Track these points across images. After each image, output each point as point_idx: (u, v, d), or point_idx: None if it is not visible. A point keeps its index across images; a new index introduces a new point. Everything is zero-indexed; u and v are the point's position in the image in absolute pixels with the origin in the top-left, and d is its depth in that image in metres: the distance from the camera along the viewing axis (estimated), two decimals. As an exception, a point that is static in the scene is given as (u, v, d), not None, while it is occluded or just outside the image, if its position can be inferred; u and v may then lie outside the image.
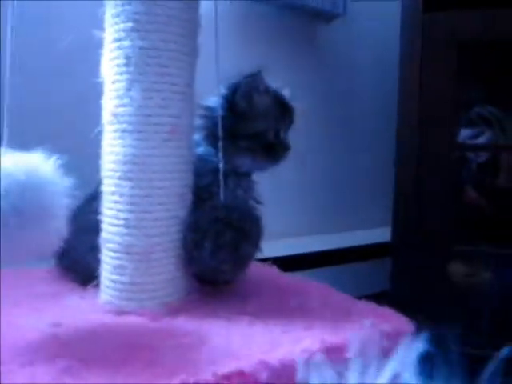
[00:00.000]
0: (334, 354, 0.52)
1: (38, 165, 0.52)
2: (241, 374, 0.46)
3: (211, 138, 0.70)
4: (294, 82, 1.36)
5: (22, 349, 0.50)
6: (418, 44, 1.07)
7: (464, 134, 1.32)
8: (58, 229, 0.53)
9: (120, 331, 0.56)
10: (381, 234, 1.23)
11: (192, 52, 0.64)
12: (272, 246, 1.18)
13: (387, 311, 0.63)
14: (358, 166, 1.53)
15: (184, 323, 0.58)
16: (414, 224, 1.12)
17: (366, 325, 0.56)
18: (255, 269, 0.84)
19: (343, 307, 0.65)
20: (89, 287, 0.67)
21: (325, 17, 1.43)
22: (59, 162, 0.53)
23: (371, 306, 0.65)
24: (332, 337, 0.54)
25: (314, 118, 1.43)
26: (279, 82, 0.78)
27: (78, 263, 0.72)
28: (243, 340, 0.53)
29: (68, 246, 0.71)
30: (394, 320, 0.60)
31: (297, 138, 1.34)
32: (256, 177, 0.77)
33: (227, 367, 0.46)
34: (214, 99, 0.70)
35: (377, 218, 1.43)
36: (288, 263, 1.10)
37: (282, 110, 0.73)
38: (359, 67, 1.54)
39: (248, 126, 0.69)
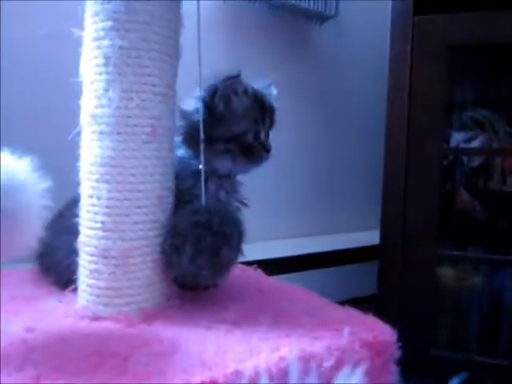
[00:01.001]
0: (312, 363, 0.51)
1: (13, 166, 0.51)
2: (213, 383, 0.45)
3: (190, 140, 0.68)
4: (285, 81, 1.36)
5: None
6: (408, 46, 1.06)
7: (457, 137, 1.31)
8: (34, 229, 0.52)
9: (94, 337, 0.55)
10: (370, 237, 1.22)
11: (173, 52, 0.63)
12: (259, 249, 1.18)
13: (369, 319, 0.62)
14: (346, 168, 1.52)
15: (160, 330, 0.57)
16: (402, 227, 1.11)
17: (346, 333, 0.55)
18: (239, 272, 0.83)
19: (324, 314, 0.63)
20: (67, 291, 0.66)
21: (317, 18, 1.42)
22: (36, 163, 0.52)
23: (353, 312, 0.64)
24: (310, 345, 0.53)
25: (304, 119, 1.42)
26: (270, 81, 0.77)
27: (57, 266, 0.71)
28: (219, 348, 0.52)
29: (48, 248, 0.71)
30: (375, 328, 0.59)
31: (285, 140, 1.34)
32: (242, 178, 0.76)
33: (199, 376, 0.45)
34: (192, 102, 0.69)
35: (366, 220, 1.42)
36: (275, 266, 1.10)
37: (262, 111, 0.72)
38: (350, 68, 1.53)
39: (226, 129, 0.68)
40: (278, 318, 0.62)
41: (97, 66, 0.59)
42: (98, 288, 0.61)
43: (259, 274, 0.84)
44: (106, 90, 0.59)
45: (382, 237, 1.13)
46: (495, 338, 1.18)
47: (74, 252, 0.64)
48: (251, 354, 0.51)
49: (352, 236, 1.45)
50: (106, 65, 0.58)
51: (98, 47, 0.59)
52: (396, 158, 1.10)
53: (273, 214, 1.31)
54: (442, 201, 1.13)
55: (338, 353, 0.53)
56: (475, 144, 1.29)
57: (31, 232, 0.52)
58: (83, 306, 0.63)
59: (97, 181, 0.60)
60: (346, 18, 1.44)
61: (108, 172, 0.59)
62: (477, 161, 1.32)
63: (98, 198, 0.60)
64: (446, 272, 1.24)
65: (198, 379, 0.45)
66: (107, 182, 0.59)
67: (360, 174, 1.52)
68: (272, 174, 1.28)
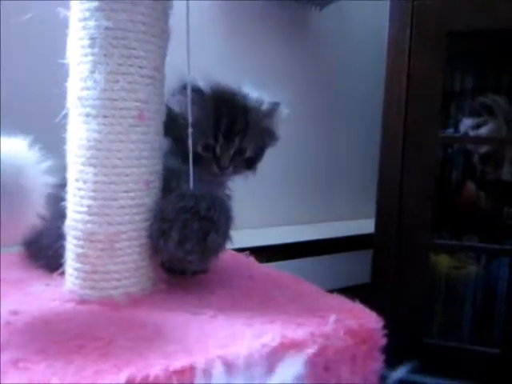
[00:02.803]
0: (294, 350, 0.51)
1: (10, 146, 0.51)
2: (193, 369, 0.45)
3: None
4: (284, 67, 1.34)
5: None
6: (407, 32, 1.04)
7: (467, 123, 1.29)
8: (36, 209, 0.52)
9: (78, 321, 0.55)
10: (365, 226, 1.22)
11: (162, 34, 0.62)
12: (253, 236, 1.18)
13: (357, 307, 0.61)
14: (342, 156, 1.51)
15: (145, 314, 0.57)
16: (397, 216, 1.10)
17: (330, 320, 0.55)
18: (230, 258, 0.83)
19: (312, 301, 0.63)
20: (55, 275, 0.66)
21: (317, 3, 1.40)
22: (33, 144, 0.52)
23: (341, 300, 0.64)
24: (294, 332, 0.52)
25: (302, 106, 1.40)
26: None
27: (46, 250, 0.70)
28: (202, 334, 0.52)
29: (37, 232, 0.71)
30: (362, 316, 0.58)
31: (282, 127, 1.33)
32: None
33: (179, 362, 0.45)
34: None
35: (361, 209, 1.41)
36: (270, 253, 1.10)
37: (222, 126, 0.69)
38: (349, 54, 1.51)
39: (177, 132, 0.67)
40: (265, 304, 0.62)
41: (83, 47, 0.58)
42: (85, 272, 0.61)
43: (250, 260, 0.84)
44: (92, 72, 0.58)
45: (377, 225, 1.12)
46: (488, 326, 1.18)
47: (61, 236, 0.64)
48: (233, 340, 0.50)
49: (347, 224, 1.44)
50: (91, 46, 0.57)
51: (84, 28, 0.58)
52: (392, 145, 1.09)
53: (268, 202, 1.31)
54: (443, 189, 1.12)
55: (322, 339, 0.53)
56: (484, 130, 1.27)
57: (33, 212, 0.52)
58: (70, 289, 0.62)
59: (83, 164, 0.59)
60: (346, 3, 1.42)
61: (94, 155, 0.59)
62: (484, 148, 1.30)
63: (84, 182, 0.59)
64: (442, 261, 1.24)
65: (178, 364, 0.44)
66: (93, 165, 0.59)
67: (356, 162, 1.51)
68: (267, 161, 1.28)
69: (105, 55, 0.57)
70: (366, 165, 1.28)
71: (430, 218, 1.10)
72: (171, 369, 0.44)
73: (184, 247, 0.59)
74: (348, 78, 1.51)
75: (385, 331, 0.58)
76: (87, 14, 0.57)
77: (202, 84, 0.69)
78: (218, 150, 0.69)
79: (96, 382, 0.41)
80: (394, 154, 1.09)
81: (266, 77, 1.29)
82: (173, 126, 0.67)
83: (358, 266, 1.26)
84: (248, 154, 0.72)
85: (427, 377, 1.05)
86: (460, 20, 1.00)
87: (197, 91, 0.68)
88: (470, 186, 1.30)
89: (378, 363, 0.57)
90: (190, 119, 0.64)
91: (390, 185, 1.10)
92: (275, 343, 0.50)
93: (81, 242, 0.60)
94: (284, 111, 0.75)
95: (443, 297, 1.25)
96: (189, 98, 0.64)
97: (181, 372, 0.44)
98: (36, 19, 0.72)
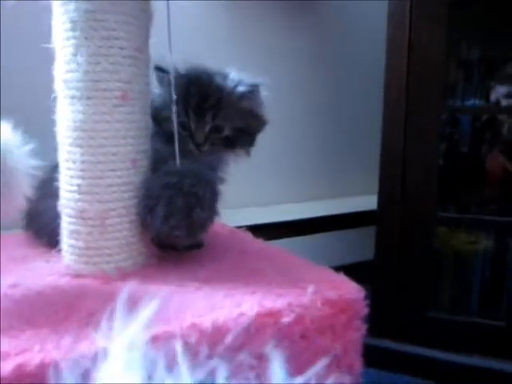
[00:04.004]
0: (271, 319, 0.53)
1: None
2: (169, 335, 0.47)
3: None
4: (287, 47, 1.33)
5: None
6: (407, 3, 1.01)
7: (500, 91, 1.25)
8: (23, 192, 0.54)
9: (70, 293, 0.58)
10: (368, 202, 1.21)
11: (142, 14, 0.63)
12: (257, 214, 1.19)
13: (339, 278, 0.62)
14: (344, 132, 1.49)
15: (132, 288, 0.59)
16: (401, 190, 1.10)
17: (309, 291, 0.56)
18: (226, 234, 0.85)
19: (297, 273, 0.64)
20: (55, 251, 0.69)
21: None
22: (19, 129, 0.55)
23: (326, 272, 0.65)
24: (272, 302, 0.54)
25: (302, 84, 1.39)
26: (261, 82, 0.75)
27: (45, 228, 0.74)
28: (183, 304, 0.54)
29: (37, 211, 0.75)
30: (342, 287, 0.59)
31: (285, 104, 1.32)
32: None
33: (155, 330, 0.47)
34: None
35: (364, 185, 1.40)
36: (273, 230, 1.11)
37: (188, 100, 0.71)
38: (351, 30, 1.48)
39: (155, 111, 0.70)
40: (251, 276, 0.63)
41: (65, 30, 0.60)
42: (78, 248, 0.64)
43: (246, 235, 0.85)
44: (75, 55, 0.59)
45: (380, 200, 1.12)
46: (494, 300, 1.17)
47: (59, 214, 0.67)
48: (212, 310, 0.52)
49: (350, 201, 1.44)
50: (73, 29, 0.59)
51: (65, 12, 0.59)
52: (394, 118, 1.07)
53: (271, 180, 1.31)
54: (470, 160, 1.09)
55: (300, 309, 0.54)
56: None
57: (20, 194, 0.55)
58: (67, 265, 0.66)
59: (70, 145, 0.62)
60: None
61: (80, 136, 0.61)
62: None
63: (73, 162, 0.62)
64: (454, 235, 1.23)
65: (154, 332, 0.47)
66: (80, 146, 0.61)
67: (358, 137, 1.49)
68: (270, 139, 1.28)
69: (85, 38, 0.59)
70: (369, 140, 1.26)
71: (434, 191, 1.08)
72: (147, 336, 0.46)
73: (169, 223, 0.61)
74: (348, 53, 1.48)
75: (366, 302, 0.59)
76: (67, -3, 0.59)
77: (179, 66, 0.71)
78: (192, 126, 0.71)
79: (73, 349, 0.44)
80: (396, 128, 1.07)
81: (267, 48, 1.29)
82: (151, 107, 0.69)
83: (363, 243, 1.26)
84: (226, 132, 0.73)
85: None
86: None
87: (164, 71, 0.70)
88: (499, 157, 1.27)
89: (359, 332, 0.59)
90: (173, 97, 0.66)
91: (393, 158, 1.09)
92: (252, 313, 0.52)
93: (73, 220, 0.63)
94: (263, 93, 0.75)
95: (451, 271, 1.24)
96: (171, 78, 0.66)
97: (156, 338, 0.46)
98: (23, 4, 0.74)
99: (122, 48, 0.60)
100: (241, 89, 0.73)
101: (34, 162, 0.54)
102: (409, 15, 1.02)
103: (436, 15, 0.99)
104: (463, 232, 1.20)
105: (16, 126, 0.53)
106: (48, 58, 0.63)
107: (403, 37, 1.03)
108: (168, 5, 0.64)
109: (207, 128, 0.72)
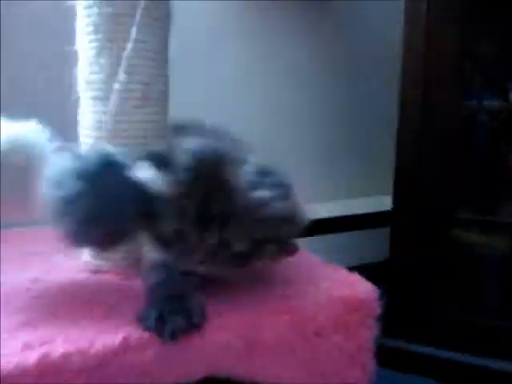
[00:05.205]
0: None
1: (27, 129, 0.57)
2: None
3: None
4: (296, 46, 1.32)
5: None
6: (424, 3, 1.02)
7: None
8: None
9: (90, 288, 0.60)
10: (383, 203, 1.22)
11: (163, 17, 0.64)
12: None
13: (353, 277, 0.63)
14: (360, 133, 1.48)
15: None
16: (415, 192, 1.10)
17: (322, 288, 0.58)
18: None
19: (310, 271, 0.66)
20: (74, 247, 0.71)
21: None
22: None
23: (340, 271, 0.66)
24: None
25: (317, 81, 1.39)
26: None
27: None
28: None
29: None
30: (356, 286, 0.60)
31: (298, 101, 1.33)
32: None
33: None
34: None
35: (378, 186, 1.40)
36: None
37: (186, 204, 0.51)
38: (363, 29, 1.47)
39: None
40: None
41: (88, 34, 0.62)
42: (98, 244, 0.66)
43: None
44: (98, 57, 0.61)
45: (395, 201, 1.12)
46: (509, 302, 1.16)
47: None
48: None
49: (366, 201, 1.43)
50: (95, 32, 0.61)
51: (88, 16, 0.61)
52: (410, 119, 1.07)
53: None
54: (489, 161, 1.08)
55: (313, 306, 0.55)
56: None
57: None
58: (87, 261, 0.68)
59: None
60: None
61: (102, 135, 0.63)
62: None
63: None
64: (464, 236, 1.22)
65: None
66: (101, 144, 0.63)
67: (374, 138, 1.49)
68: (284, 137, 1.29)
69: (108, 40, 0.61)
70: (385, 141, 1.26)
71: (449, 192, 1.08)
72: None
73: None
74: (363, 49, 1.47)
75: (380, 302, 0.60)
76: (91, 2, 0.61)
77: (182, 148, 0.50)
78: (190, 238, 0.51)
79: (97, 340, 0.46)
80: (413, 127, 1.07)
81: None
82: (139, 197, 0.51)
83: (378, 243, 1.26)
84: (238, 248, 0.52)
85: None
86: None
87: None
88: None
89: (372, 331, 0.59)
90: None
91: (408, 158, 1.09)
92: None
93: (93, 217, 0.65)
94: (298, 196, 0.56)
95: (464, 272, 1.23)
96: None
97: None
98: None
99: (142, 50, 0.62)
100: (263, 194, 0.52)
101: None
102: (425, 15, 1.02)
103: (451, 15, 1.00)
104: (478, 233, 1.20)
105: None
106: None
107: (419, 37, 1.03)
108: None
109: (211, 241, 0.51)
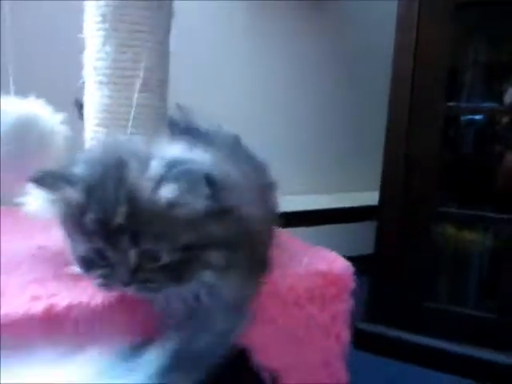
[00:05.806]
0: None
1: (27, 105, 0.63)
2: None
3: None
4: (295, 45, 1.37)
5: (7, 263, 0.60)
6: (416, 4, 1.07)
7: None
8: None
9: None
10: (369, 198, 1.27)
11: (164, 11, 0.70)
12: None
13: (331, 255, 0.69)
14: (348, 128, 1.52)
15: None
16: (403, 187, 1.15)
17: (303, 263, 0.63)
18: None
19: (295, 250, 0.71)
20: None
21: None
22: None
23: (320, 250, 0.71)
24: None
25: (310, 82, 1.44)
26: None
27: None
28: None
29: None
30: (334, 262, 0.66)
31: (290, 98, 1.38)
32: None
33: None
34: None
35: (365, 181, 1.44)
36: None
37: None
38: (358, 29, 1.52)
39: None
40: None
41: (95, 23, 0.67)
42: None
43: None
44: (104, 45, 0.67)
45: (381, 196, 1.17)
46: (488, 294, 1.22)
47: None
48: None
49: (353, 195, 1.48)
50: (102, 22, 0.66)
51: (97, 6, 0.66)
52: (399, 117, 1.13)
53: (274, 172, 1.36)
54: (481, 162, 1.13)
55: (294, 278, 0.61)
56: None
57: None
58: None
59: (97, 125, 0.69)
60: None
61: (106, 117, 0.68)
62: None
63: (98, 142, 0.69)
64: (450, 231, 1.28)
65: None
66: (105, 126, 0.68)
67: (362, 134, 1.53)
68: (274, 131, 1.34)
69: (114, 30, 0.66)
70: (373, 138, 1.31)
71: (435, 188, 1.14)
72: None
73: None
74: (356, 51, 1.52)
75: (355, 278, 0.65)
76: (99, -7, 0.66)
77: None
78: (110, 256, 0.45)
79: (96, 295, 0.51)
80: (401, 124, 1.13)
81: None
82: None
83: (364, 237, 1.31)
84: (165, 258, 0.45)
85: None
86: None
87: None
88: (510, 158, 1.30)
89: (346, 304, 0.65)
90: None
91: (395, 155, 1.14)
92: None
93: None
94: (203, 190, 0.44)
95: (449, 266, 1.29)
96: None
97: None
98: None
99: (144, 40, 0.67)
100: (165, 192, 0.44)
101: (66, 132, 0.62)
102: (417, 16, 1.07)
103: (443, 16, 1.04)
104: (462, 228, 1.25)
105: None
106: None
107: (411, 38, 1.08)
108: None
109: (133, 256, 0.44)
